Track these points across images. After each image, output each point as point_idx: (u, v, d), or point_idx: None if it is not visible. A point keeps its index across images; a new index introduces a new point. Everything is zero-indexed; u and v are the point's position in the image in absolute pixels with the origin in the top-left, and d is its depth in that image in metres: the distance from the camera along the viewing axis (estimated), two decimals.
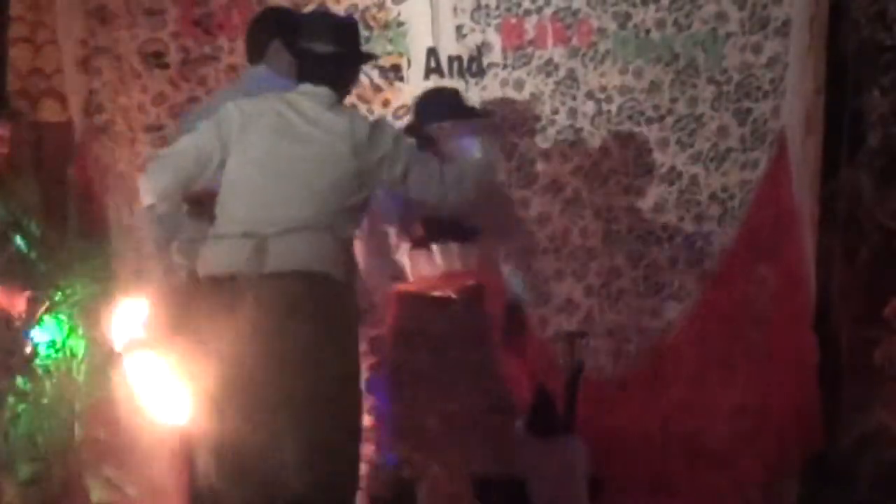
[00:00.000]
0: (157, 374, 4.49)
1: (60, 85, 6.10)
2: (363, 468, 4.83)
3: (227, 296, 3.89)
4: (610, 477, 5.58)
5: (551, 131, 5.88)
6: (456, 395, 4.90)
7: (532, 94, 5.89)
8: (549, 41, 5.89)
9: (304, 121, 4.11)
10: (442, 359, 4.89)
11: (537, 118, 5.88)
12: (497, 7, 5.90)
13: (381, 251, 4.81)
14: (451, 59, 5.94)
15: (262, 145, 4.07)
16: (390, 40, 5.96)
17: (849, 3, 5.66)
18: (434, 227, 4.82)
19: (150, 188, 4.11)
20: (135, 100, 6.05)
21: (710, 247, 5.82)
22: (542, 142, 5.89)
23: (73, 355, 5.76)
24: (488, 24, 5.92)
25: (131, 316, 5.11)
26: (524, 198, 5.88)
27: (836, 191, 5.69)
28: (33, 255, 5.76)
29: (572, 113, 5.87)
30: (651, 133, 5.83)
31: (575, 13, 5.86)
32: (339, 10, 5.88)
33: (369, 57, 4.61)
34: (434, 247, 4.84)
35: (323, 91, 4.20)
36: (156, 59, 6.06)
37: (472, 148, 4.56)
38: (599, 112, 5.86)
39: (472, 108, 5.27)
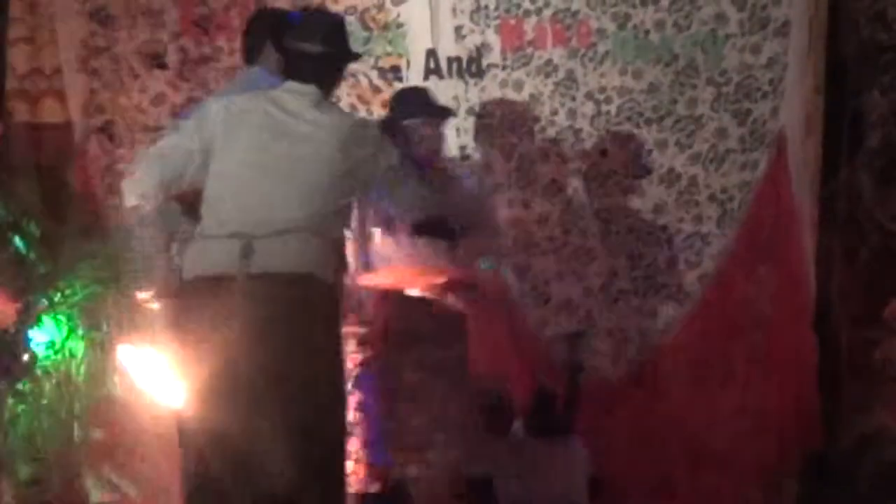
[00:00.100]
0: (154, 370, 4.49)
1: (60, 85, 6.08)
2: (353, 466, 4.83)
3: (214, 296, 3.86)
4: (610, 477, 5.59)
5: (551, 132, 5.88)
6: (439, 394, 4.90)
7: (531, 95, 5.89)
8: (549, 42, 5.90)
9: (291, 119, 4.07)
10: (425, 358, 4.89)
11: (537, 119, 5.88)
12: (496, 8, 5.91)
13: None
14: (450, 60, 5.94)
15: (248, 144, 4.02)
16: (390, 41, 5.96)
17: (848, 4, 5.66)
18: (422, 224, 4.79)
19: (131, 189, 4.08)
20: (134, 100, 6.05)
21: (710, 247, 5.83)
22: (542, 142, 5.89)
23: (73, 356, 5.76)
24: (487, 25, 5.92)
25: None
26: (524, 198, 5.88)
27: (835, 191, 5.69)
28: (32, 255, 5.76)
29: (572, 114, 5.88)
30: (650, 134, 5.84)
31: (574, 14, 5.86)
32: (339, 10, 5.89)
33: (356, 56, 4.54)
34: (407, 238, 4.82)
35: (309, 89, 4.15)
36: (155, 59, 6.06)
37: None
38: (599, 113, 5.86)
39: (443, 106, 5.23)
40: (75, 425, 5.75)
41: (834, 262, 5.69)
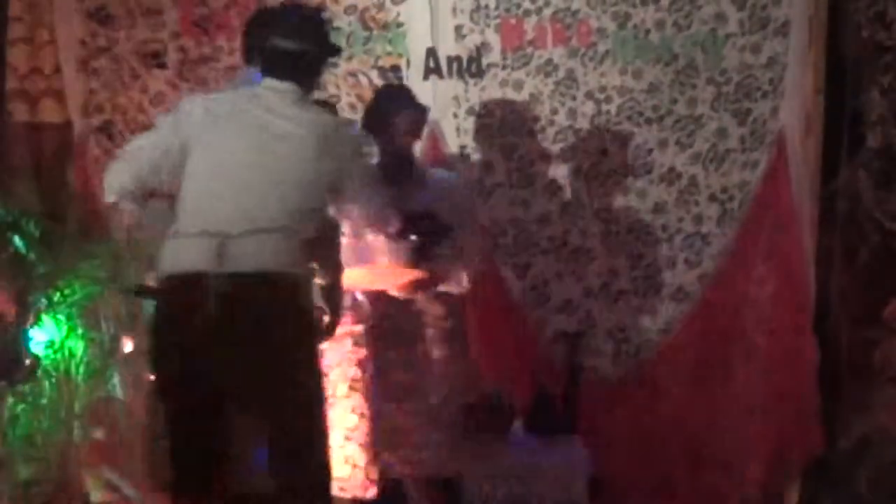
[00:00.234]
0: None
1: (59, 85, 6.08)
2: (348, 470, 4.82)
3: (188, 294, 3.84)
4: (609, 477, 5.59)
5: (550, 132, 5.87)
6: (423, 393, 4.90)
7: (531, 95, 5.88)
8: (549, 41, 5.89)
9: (269, 117, 4.03)
10: (411, 358, 4.88)
11: (536, 119, 5.87)
12: (496, 7, 5.89)
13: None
14: (450, 60, 5.93)
15: (225, 142, 3.99)
16: (389, 41, 5.95)
17: (848, 4, 5.65)
18: (412, 222, 4.78)
19: (109, 186, 4.07)
20: (134, 100, 6.05)
21: (710, 247, 5.82)
22: (542, 142, 5.88)
23: (72, 355, 5.75)
24: (487, 25, 5.91)
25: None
26: (524, 198, 5.88)
27: (835, 191, 5.68)
28: (32, 255, 5.75)
29: (572, 113, 5.87)
30: (650, 133, 5.83)
31: (574, 13, 5.85)
32: (338, 10, 5.90)
33: (336, 51, 4.46)
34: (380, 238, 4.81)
35: (288, 87, 4.11)
36: (155, 59, 6.05)
37: None
38: (599, 112, 5.85)
39: (421, 104, 5.20)
40: (75, 425, 5.75)
41: (834, 262, 5.69)
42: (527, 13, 5.88)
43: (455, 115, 5.91)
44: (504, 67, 5.90)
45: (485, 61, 5.91)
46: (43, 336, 5.72)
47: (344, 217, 4.29)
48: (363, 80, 5.94)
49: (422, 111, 5.08)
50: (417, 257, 4.81)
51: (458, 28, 5.92)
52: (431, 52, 5.92)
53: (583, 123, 5.86)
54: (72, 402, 5.74)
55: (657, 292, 5.85)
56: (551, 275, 5.90)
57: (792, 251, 5.68)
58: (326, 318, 4.45)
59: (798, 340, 5.67)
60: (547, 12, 5.87)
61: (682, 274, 5.83)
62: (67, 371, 5.74)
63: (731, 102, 5.76)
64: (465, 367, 5.13)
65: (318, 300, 4.47)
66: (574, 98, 5.86)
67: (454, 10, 5.91)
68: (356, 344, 4.85)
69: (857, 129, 5.63)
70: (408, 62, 5.95)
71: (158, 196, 4.17)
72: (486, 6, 5.89)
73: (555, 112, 5.86)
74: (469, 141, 5.90)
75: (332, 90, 5.87)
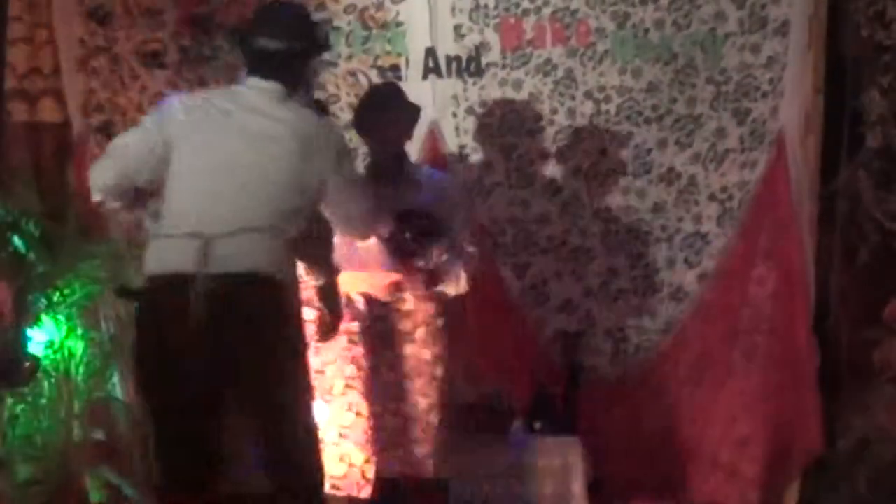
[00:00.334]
0: None
1: (59, 85, 6.08)
2: (344, 468, 4.81)
3: (171, 295, 3.83)
4: (609, 478, 5.58)
5: (550, 131, 5.87)
6: (409, 394, 4.90)
7: (531, 94, 5.88)
8: (548, 41, 5.88)
9: (251, 116, 3.99)
10: (400, 359, 4.89)
11: (536, 118, 5.86)
12: (495, 7, 5.89)
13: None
14: (449, 59, 5.93)
15: (206, 141, 3.96)
16: (389, 40, 5.95)
17: (848, 4, 5.64)
18: (403, 221, 4.77)
19: (94, 184, 4.04)
20: (133, 100, 6.05)
21: (710, 247, 5.81)
22: (541, 142, 5.88)
23: (72, 356, 5.76)
24: (487, 24, 5.91)
25: None
26: (523, 198, 5.88)
27: (835, 191, 5.67)
28: (32, 255, 5.76)
29: (571, 113, 5.86)
30: (650, 133, 5.82)
31: (573, 13, 5.85)
32: (338, 9, 5.89)
33: (322, 48, 4.37)
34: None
35: (271, 86, 4.05)
36: (154, 59, 6.05)
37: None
38: (598, 112, 5.85)
39: (413, 103, 5.16)
40: (75, 425, 5.76)
41: (834, 262, 5.68)
42: (526, 13, 5.88)
43: (454, 115, 5.91)
44: (503, 67, 5.90)
45: (484, 61, 5.91)
46: (43, 336, 5.73)
47: (332, 217, 4.24)
48: (362, 79, 5.94)
49: (413, 110, 5.05)
50: (406, 257, 4.79)
51: (457, 27, 5.91)
52: (431, 52, 5.92)
53: (582, 123, 5.85)
54: (71, 402, 5.75)
55: (657, 292, 5.84)
56: (551, 274, 5.90)
57: (792, 251, 5.67)
58: (327, 319, 4.45)
59: (798, 340, 5.66)
60: (546, 12, 5.86)
61: (682, 274, 5.83)
62: (67, 371, 5.75)
63: (731, 102, 5.75)
64: (459, 367, 5.11)
65: (316, 301, 4.50)
66: (573, 98, 5.85)
67: (453, 9, 5.91)
68: (351, 342, 4.84)
69: (857, 129, 5.62)
70: (407, 62, 5.94)
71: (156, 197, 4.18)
72: (486, 6, 5.89)
73: (554, 112, 5.86)
74: (468, 140, 5.89)
75: (331, 90, 5.88)
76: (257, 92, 4.04)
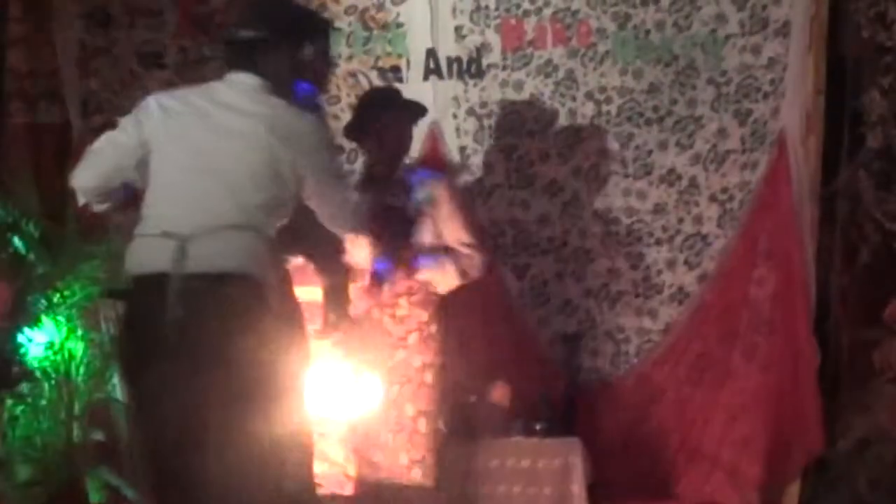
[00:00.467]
0: None
1: (58, 86, 6.08)
2: (325, 467, 4.79)
3: (150, 295, 3.81)
4: (609, 478, 5.58)
5: (550, 132, 5.87)
6: (400, 398, 4.90)
7: (531, 95, 5.88)
8: (549, 42, 5.89)
9: (225, 112, 3.90)
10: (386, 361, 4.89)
11: (536, 119, 5.87)
12: (496, 8, 5.90)
13: None
14: (450, 61, 5.94)
15: (182, 140, 3.88)
16: (389, 41, 5.96)
17: (848, 4, 5.65)
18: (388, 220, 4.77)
19: (77, 188, 4.03)
20: (133, 101, 5.96)
21: (710, 248, 5.82)
22: (541, 142, 5.88)
23: (72, 357, 5.75)
24: (487, 25, 5.92)
25: None
26: (523, 199, 5.88)
27: (835, 191, 5.68)
28: (32, 256, 5.75)
29: (571, 114, 5.86)
30: (650, 134, 5.83)
31: (574, 14, 5.86)
32: (339, 10, 5.89)
33: (301, 38, 4.14)
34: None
35: (248, 79, 3.96)
36: (154, 59, 6.05)
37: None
38: (599, 113, 5.86)
39: (417, 102, 5.16)
40: (75, 426, 5.75)
41: (834, 262, 5.69)
42: (527, 14, 5.89)
43: (455, 116, 5.91)
44: (504, 68, 5.91)
45: (485, 62, 5.92)
46: (43, 337, 5.72)
47: (316, 212, 4.18)
48: (363, 80, 5.94)
49: (409, 113, 5.05)
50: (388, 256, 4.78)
51: (458, 28, 5.92)
52: (431, 53, 5.93)
53: (583, 124, 5.85)
54: (71, 403, 5.75)
55: (657, 293, 5.85)
56: (551, 275, 5.90)
57: (792, 252, 5.67)
58: (331, 317, 4.43)
59: (798, 340, 5.66)
60: (547, 13, 5.88)
61: (682, 274, 5.84)
62: (67, 372, 5.74)
63: (732, 103, 5.76)
64: (451, 372, 5.11)
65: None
66: (574, 98, 5.86)
67: (454, 10, 5.92)
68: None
69: (858, 130, 5.63)
70: (408, 63, 5.95)
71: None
72: (486, 7, 5.90)
73: (555, 112, 5.85)
74: (469, 141, 5.90)
75: (332, 90, 5.87)
76: (234, 87, 3.96)
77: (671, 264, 5.84)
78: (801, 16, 5.65)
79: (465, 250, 4.94)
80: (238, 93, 3.95)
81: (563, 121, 5.86)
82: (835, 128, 5.67)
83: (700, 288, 5.81)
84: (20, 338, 5.69)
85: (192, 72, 5.98)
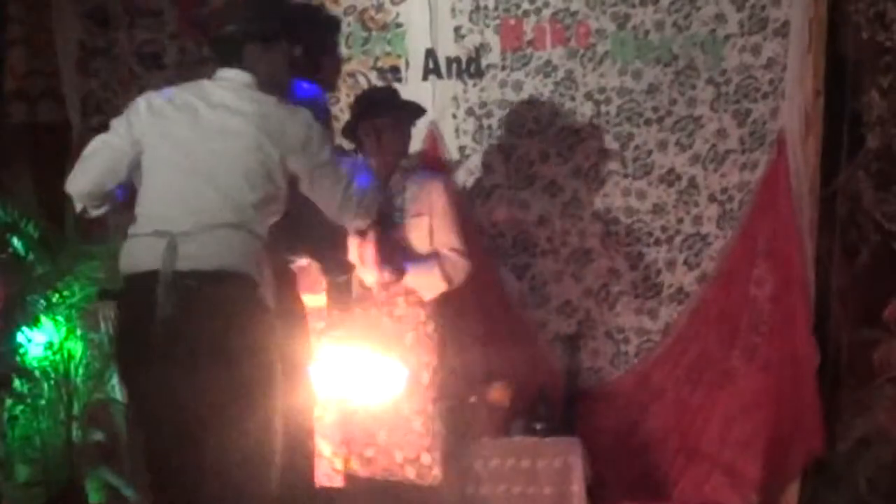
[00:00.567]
0: None
1: (58, 86, 6.08)
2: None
3: (142, 294, 3.81)
4: (608, 478, 5.58)
5: (550, 132, 5.87)
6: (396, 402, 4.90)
7: (531, 96, 5.87)
8: (548, 42, 5.89)
9: (215, 110, 3.91)
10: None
11: (536, 119, 5.87)
12: (495, 8, 5.90)
13: None
14: (449, 61, 5.94)
15: (171, 139, 3.89)
16: (389, 41, 5.96)
17: (848, 5, 5.65)
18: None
19: (71, 193, 4.04)
20: (132, 101, 6.02)
21: (710, 248, 5.82)
22: (541, 143, 5.88)
23: (71, 357, 5.75)
24: (487, 26, 5.92)
25: None
26: (523, 199, 5.88)
27: (835, 192, 5.68)
28: (31, 256, 5.76)
29: (571, 114, 5.86)
30: (650, 134, 5.83)
31: (573, 14, 5.86)
32: (338, 10, 5.89)
33: (292, 33, 4.15)
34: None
35: (238, 76, 3.97)
36: (154, 60, 6.05)
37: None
38: (598, 113, 5.85)
39: (414, 103, 5.17)
40: (74, 426, 5.75)
41: (834, 262, 5.69)
42: (526, 14, 5.89)
43: (454, 116, 5.91)
44: (503, 68, 5.91)
45: (484, 62, 5.91)
46: (42, 337, 5.72)
47: (316, 203, 4.16)
48: (362, 80, 5.93)
49: (406, 114, 5.05)
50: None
51: (457, 29, 5.92)
52: (430, 53, 5.93)
53: (582, 124, 5.85)
54: (71, 403, 5.75)
55: (657, 293, 5.85)
56: (551, 276, 5.90)
57: (792, 252, 5.67)
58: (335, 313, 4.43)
59: (798, 340, 5.66)
60: (546, 13, 5.88)
61: (682, 274, 5.84)
62: (66, 373, 5.74)
63: (731, 103, 5.76)
64: (450, 372, 5.11)
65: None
66: (573, 99, 5.86)
67: (453, 10, 5.91)
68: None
69: (857, 130, 5.64)
70: (407, 63, 5.95)
71: None
72: (486, 7, 5.90)
73: (554, 113, 5.85)
74: (469, 141, 5.90)
75: None
76: (223, 84, 3.97)
77: (671, 264, 5.84)
78: (800, 16, 5.65)
79: (453, 255, 4.95)
80: (227, 90, 3.95)
81: (562, 121, 5.85)
82: (834, 128, 5.67)
83: (700, 288, 5.81)
84: (19, 338, 5.71)
85: (192, 72, 5.96)
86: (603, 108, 5.85)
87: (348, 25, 5.93)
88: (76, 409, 5.75)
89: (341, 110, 5.79)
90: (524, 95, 5.89)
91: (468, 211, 5.82)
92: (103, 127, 5.86)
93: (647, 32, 5.82)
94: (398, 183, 4.96)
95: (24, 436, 5.72)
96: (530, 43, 5.90)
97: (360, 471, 4.86)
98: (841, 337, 5.64)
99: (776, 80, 5.71)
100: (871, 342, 5.55)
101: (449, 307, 5.13)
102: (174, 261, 3.73)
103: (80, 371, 5.76)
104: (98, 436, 5.81)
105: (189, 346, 3.73)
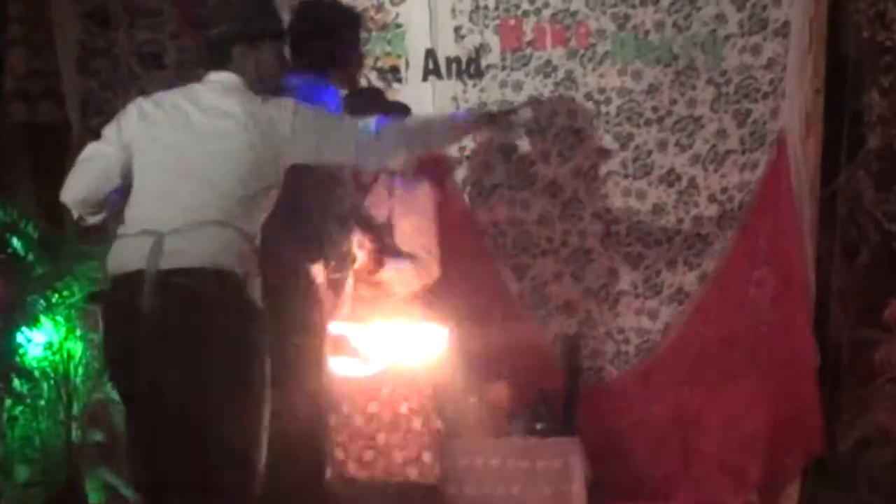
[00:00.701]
0: None
1: (58, 86, 6.08)
2: None
3: (127, 295, 3.81)
4: (609, 479, 5.58)
5: (551, 132, 5.87)
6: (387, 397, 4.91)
7: (531, 96, 5.87)
8: (548, 42, 5.89)
9: (203, 112, 3.92)
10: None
11: (536, 119, 5.86)
12: (495, 8, 5.90)
13: None
14: (449, 61, 5.94)
15: (160, 141, 3.91)
16: (388, 42, 5.96)
17: (848, 5, 5.66)
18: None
19: (65, 201, 4.04)
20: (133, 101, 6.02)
21: (710, 248, 5.81)
22: (541, 143, 5.88)
23: (71, 357, 5.75)
24: (486, 26, 5.92)
25: None
26: (524, 199, 5.88)
27: (835, 192, 5.69)
28: (31, 256, 5.76)
29: (571, 114, 5.86)
30: (650, 135, 5.83)
31: (573, 14, 5.86)
32: None
33: (274, 28, 4.15)
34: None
35: (226, 78, 4.00)
36: (154, 60, 6.05)
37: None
38: (598, 113, 5.85)
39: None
40: (74, 426, 5.75)
41: (833, 262, 5.69)
42: (526, 14, 5.89)
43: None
44: (503, 68, 5.91)
45: (484, 62, 5.91)
46: (41, 337, 5.72)
47: (334, 159, 4.14)
48: (362, 81, 5.91)
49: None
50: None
51: (457, 29, 5.92)
52: (430, 53, 5.93)
53: (582, 124, 5.85)
54: (70, 403, 5.75)
55: (657, 293, 5.84)
56: (551, 276, 5.90)
57: (792, 252, 5.67)
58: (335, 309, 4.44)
59: (798, 341, 5.66)
60: (546, 13, 5.87)
61: (682, 274, 5.83)
62: (66, 373, 5.74)
63: (731, 103, 5.76)
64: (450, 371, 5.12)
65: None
66: (573, 99, 5.85)
67: (453, 10, 5.91)
68: None
69: (857, 130, 5.64)
70: (407, 63, 5.95)
71: None
72: (485, 7, 5.90)
73: (554, 113, 5.85)
74: (468, 141, 5.89)
75: None
76: (213, 87, 3.99)
77: (671, 264, 5.83)
78: (800, 16, 5.64)
79: (427, 257, 4.98)
80: (217, 93, 3.98)
81: (562, 121, 5.85)
82: (835, 128, 5.68)
83: (700, 288, 5.81)
84: (19, 338, 5.71)
85: (192, 72, 5.96)
86: (603, 109, 5.84)
87: None
88: (76, 410, 5.75)
89: None
90: (524, 96, 5.88)
91: (468, 211, 5.84)
92: (103, 127, 6.00)
93: (647, 33, 5.81)
94: (383, 184, 4.98)
95: (24, 436, 5.72)
96: (530, 43, 5.90)
97: (359, 474, 4.86)
98: (841, 337, 5.64)
99: (776, 80, 5.71)
100: (871, 342, 5.55)
101: (449, 307, 5.14)
102: (159, 260, 3.74)
103: (80, 371, 5.76)
104: (98, 436, 5.81)
105: (174, 345, 3.74)
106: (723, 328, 5.77)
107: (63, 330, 5.74)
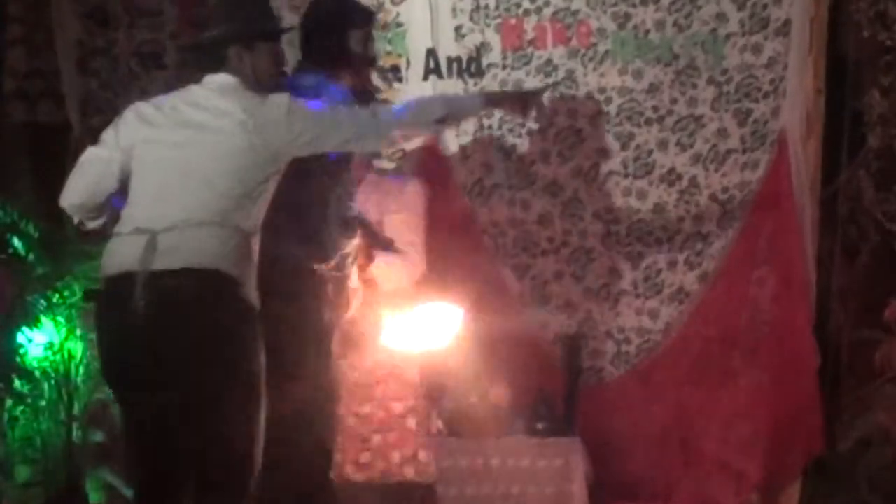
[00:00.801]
0: None
1: (58, 86, 6.07)
2: None
3: (119, 294, 3.81)
4: (609, 479, 5.58)
5: (551, 132, 5.86)
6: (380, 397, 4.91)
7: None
8: (549, 42, 5.88)
9: (200, 113, 3.95)
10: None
11: (537, 119, 5.86)
12: (496, 8, 5.89)
13: None
14: (450, 60, 5.93)
15: (156, 142, 3.93)
16: (389, 41, 5.95)
17: (849, 4, 5.65)
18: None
19: (65, 206, 4.05)
20: (133, 101, 5.99)
21: (710, 248, 5.81)
22: (542, 142, 5.88)
23: (72, 357, 5.75)
24: (487, 25, 5.91)
25: None
26: (524, 199, 5.87)
27: (835, 191, 5.69)
28: (31, 256, 5.76)
29: (572, 114, 5.86)
30: (651, 134, 5.82)
31: (574, 14, 5.85)
32: None
33: (268, 28, 4.18)
34: None
35: (219, 79, 4.02)
36: (154, 60, 6.05)
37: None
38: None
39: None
40: (74, 427, 5.76)
41: (834, 262, 5.69)
42: (527, 13, 5.88)
43: None
44: (504, 68, 5.90)
45: (485, 61, 5.91)
46: (42, 337, 5.72)
47: (337, 147, 4.13)
48: None
49: None
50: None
51: (457, 28, 5.91)
52: (431, 53, 5.92)
53: (583, 124, 5.84)
54: (71, 403, 5.76)
55: (657, 293, 5.84)
56: (551, 275, 5.89)
57: (792, 251, 5.67)
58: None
59: (798, 341, 5.66)
60: (547, 12, 5.87)
61: (682, 274, 5.83)
62: (67, 373, 5.74)
63: (732, 103, 5.76)
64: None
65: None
66: (574, 98, 5.85)
67: (454, 10, 5.91)
68: None
69: (858, 130, 5.63)
70: (407, 62, 5.94)
71: None
72: (486, 6, 5.89)
73: (555, 112, 5.85)
74: (468, 140, 5.89)
75: None
76: (210, 88, 4.01)
77: (671, 264, 5.83)
78: (801, 15, 5.64)
79: (414, 254, 4.97)
80: (214, 93, 4.00)
81: (563, 121, 5.84)
82: (835, 127, 5.68)
83: (700, 288, 5.81)
84: (19, 338, 5.72)
85: (192, 72, 5.96)
86: (603, 108, 5.84)
87: None
88: (76, 410, 5.76)
89: None
90: None
91: (468, 211, 5.84)
92: (104, 127, 5.98)
93: (647, 32, 5.81)
94: (373, 181, 4.99)
95: (25, 436, 5.73)
96: (531, 42, 5.89)
97: (357, 476, 4.86)
98: (841, 337, 5.65)
99: (777, 80, 5.70)
100: (872, 342, 5.55)
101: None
102: (152, 258, 3.74)
103: (81, 371, 5.77)
104: (98, 436, 5.81)
105: (164, 346, 3.74)
106: (723, 328, 5.77)
107: (64, 330, 5.75)
